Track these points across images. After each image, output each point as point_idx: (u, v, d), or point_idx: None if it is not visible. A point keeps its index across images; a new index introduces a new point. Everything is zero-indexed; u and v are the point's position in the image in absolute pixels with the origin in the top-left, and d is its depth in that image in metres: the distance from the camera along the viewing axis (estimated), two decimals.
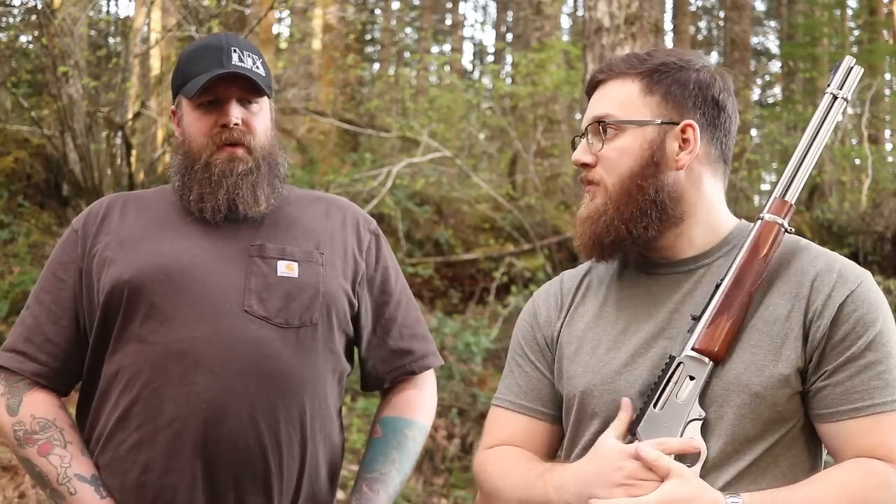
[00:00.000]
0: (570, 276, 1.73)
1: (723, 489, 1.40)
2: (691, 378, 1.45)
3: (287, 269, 1.86)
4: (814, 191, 10.43)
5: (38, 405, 1.83)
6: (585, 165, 1.57)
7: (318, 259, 1.89)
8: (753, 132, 12.75)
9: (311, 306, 1.85)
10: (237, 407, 1.76)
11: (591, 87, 1.61)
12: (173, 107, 1.97)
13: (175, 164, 1.92)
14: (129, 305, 1.81)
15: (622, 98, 1.55)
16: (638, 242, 1.54)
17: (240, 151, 1.87)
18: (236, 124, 1.86)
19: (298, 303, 1.84)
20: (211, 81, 1.84)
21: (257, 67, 1.89)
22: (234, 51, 1.88)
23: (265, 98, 1.92)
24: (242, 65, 1.87)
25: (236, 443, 1.76)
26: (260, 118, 1.90)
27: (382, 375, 2.00)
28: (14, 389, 1.84)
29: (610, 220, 1.53)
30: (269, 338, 1.80)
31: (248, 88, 1.87)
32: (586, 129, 1.58)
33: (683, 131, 1.53)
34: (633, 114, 1.54)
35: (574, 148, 1.61)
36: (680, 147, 1.53)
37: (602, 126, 1.55)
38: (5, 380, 1.86)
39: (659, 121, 1.53)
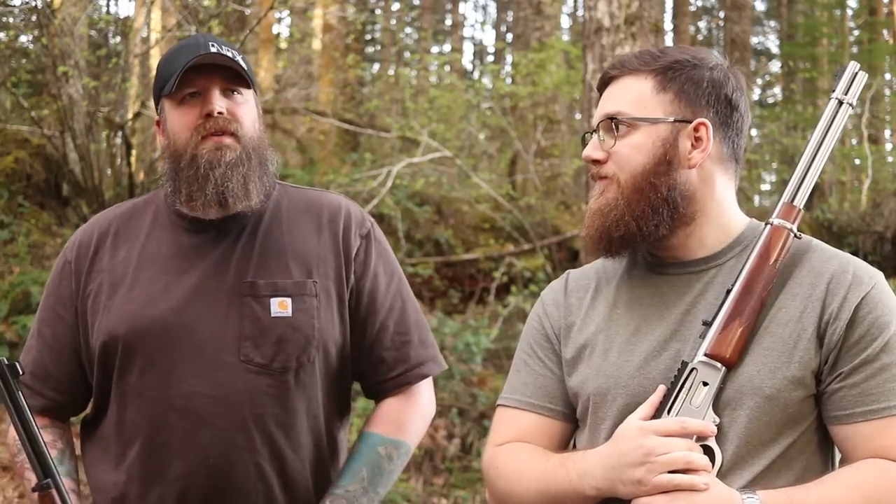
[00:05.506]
0: (576, 275, 1.70)
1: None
2: (705, 384, 1.44)
3: (280, 307, 1.80)
4: (814, 191, 10.33)
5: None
6: (596, 162, 1.56)
7: (311, 290, 1.83)
8: (753, 132, 12.74)
9: (308, 346, 1.81)
10: (243, 459, 1.77)
11: (603, 83, 1.60)
12: (158, 117, 1.89)
13: (165, 170, 1.86)
14: (125, 359, 1.80)
15: (635, 95, 1.54)
16: (648, 240, 1.53)
17: (227, 140, 1.78)
18: (220, 112, 1.78)
19: (294, 345, 1.80)
20: (189, 70, 1.76)
21: (238, 60, 1.82)
22: (213, 45, 1.81)
23: (250, 91, 1.85)
24: (223, 55, 1.80)
25: (245, 491, 1.77)
26: (246, 109, 1.83)
27: (376, 386, 1.94)
28: None
29: (621, 215, 1.52)
30: (268, 384, 1.79)
31: (231, 79, 1.81)
32: (598, 125, 1.56)
33: (696, 129, 1.52)
34: (646, 111, 1.53)
35: (584, 144, 1.59)
36: (692, 145, 1.52)
37: (614, 123, 1.53)
38: None
39: (672, 119, 1.52)
